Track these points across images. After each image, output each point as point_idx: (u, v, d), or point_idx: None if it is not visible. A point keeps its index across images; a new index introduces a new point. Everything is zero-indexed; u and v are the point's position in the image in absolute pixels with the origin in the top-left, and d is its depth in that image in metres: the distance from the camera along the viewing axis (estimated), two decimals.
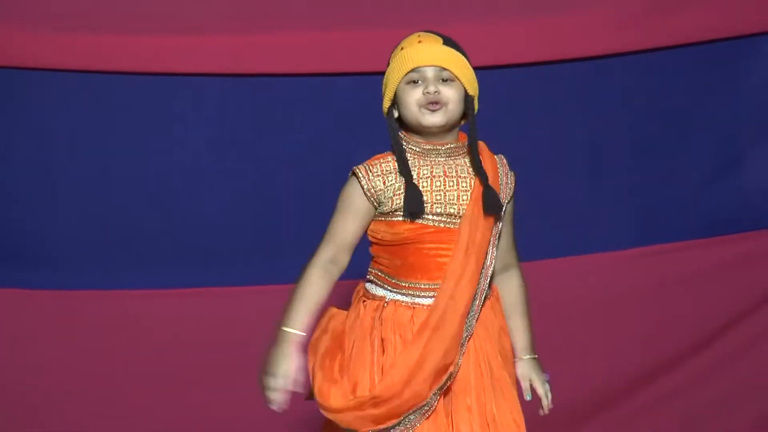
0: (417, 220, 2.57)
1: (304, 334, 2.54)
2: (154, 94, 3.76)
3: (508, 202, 2.66)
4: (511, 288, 2.72)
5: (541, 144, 3.90)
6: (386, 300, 2.62)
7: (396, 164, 2.57)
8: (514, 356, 2.69)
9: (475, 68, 2.63)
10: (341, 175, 2.62)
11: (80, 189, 3.79)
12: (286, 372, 2.49)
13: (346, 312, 2.66)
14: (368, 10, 3.84)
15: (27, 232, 3.79)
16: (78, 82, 3.71)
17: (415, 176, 2.59)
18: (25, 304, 3.78)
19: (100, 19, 3.72)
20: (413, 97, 2.57)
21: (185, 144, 3.82)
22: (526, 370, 2.70)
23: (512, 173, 2.68)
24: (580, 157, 3.98)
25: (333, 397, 2.56)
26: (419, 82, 2.58)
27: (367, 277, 2.67)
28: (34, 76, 3.70)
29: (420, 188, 2.55)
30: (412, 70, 2.58)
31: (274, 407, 2.49)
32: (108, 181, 3.78)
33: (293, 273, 2.60)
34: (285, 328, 2.52)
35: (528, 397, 2.67)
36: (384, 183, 2.56)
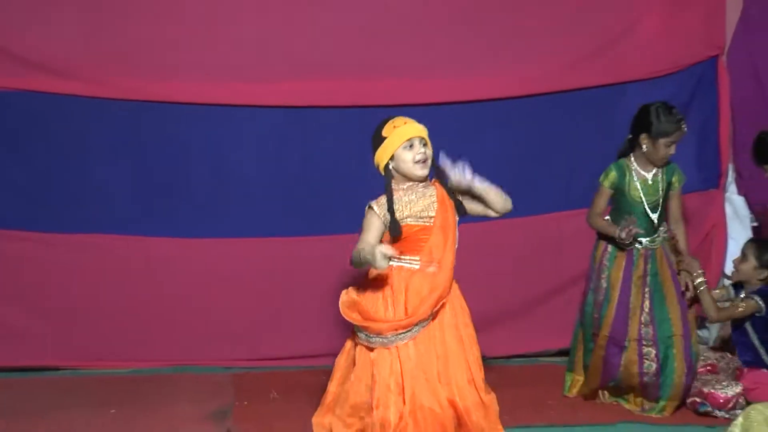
0: (410, 222, 4.21)
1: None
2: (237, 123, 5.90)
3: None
4: None
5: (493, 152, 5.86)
6: (393, 267, 4.24)
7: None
8: None
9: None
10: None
11: (194, 183, 5.88)
12: (378, 247, 4.05)
13: (356, 288, 4.31)
14: (376, 62, 5.82)
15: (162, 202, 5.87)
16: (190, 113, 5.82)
17: (406, 200, 4.24)
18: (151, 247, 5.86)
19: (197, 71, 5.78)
20: (409, 157, 4.23)
21: (255, 151, 5.91)
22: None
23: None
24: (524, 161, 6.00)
25: (374, 318, 4.19)
26: (412, 146, 4.23)
27: None
28: (169, 109, 5.76)
29: (408, 209, 4.20)
30: (409, 139, 4.23)
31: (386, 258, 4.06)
32: (222, 174, 5.91)
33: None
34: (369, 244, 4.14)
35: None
36: (386, 212, 4.21)
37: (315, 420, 4.46)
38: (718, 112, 6.19)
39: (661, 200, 5.20)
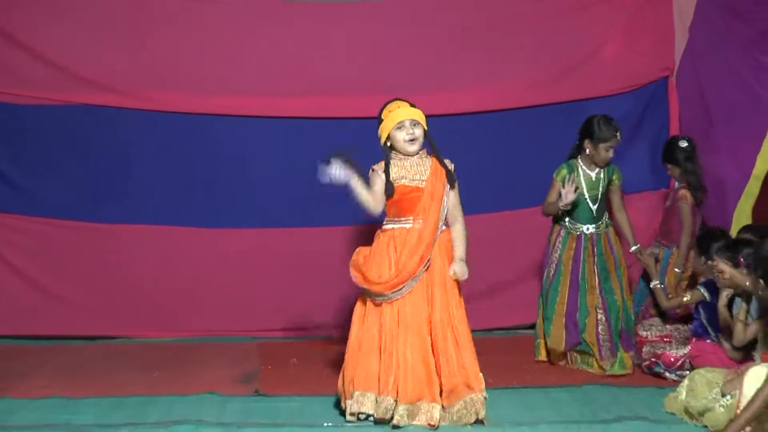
0: (405, 183, 4.79)
1: (356, 178, 4.78)
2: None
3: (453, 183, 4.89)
4: (457, 229, 4.98)
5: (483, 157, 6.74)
6: (395, 228, 4.88)
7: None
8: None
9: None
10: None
11: (223, 180, 6.83)
12: (345, 166, 4.76)
13: (369, 247, 4.97)
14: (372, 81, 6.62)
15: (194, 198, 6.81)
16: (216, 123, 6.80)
17: (397, 170, 4.79)
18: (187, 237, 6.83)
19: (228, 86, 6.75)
20: (401, 136, 4.85)
21: (269, 153, 6.80)
22: (457, 264, 4.93)
23: (452, 164, 4.91)
24: (499, 164, 6.81)
25: (371, 280, 4.79)
26: (403, 127, 4.84)
27: (383, 222, 4.95)
28: (200, 118, 6.69)
29: (403, 171, 4.77)
30: (399, 122, 4.84)
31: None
32: (246, 174, 6.87)
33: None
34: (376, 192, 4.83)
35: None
36: (384, 173, 4.84)
37: (346, 357, 4.98)
38: (669, 124, 6.97)
39: (601, 194, 6.03)
